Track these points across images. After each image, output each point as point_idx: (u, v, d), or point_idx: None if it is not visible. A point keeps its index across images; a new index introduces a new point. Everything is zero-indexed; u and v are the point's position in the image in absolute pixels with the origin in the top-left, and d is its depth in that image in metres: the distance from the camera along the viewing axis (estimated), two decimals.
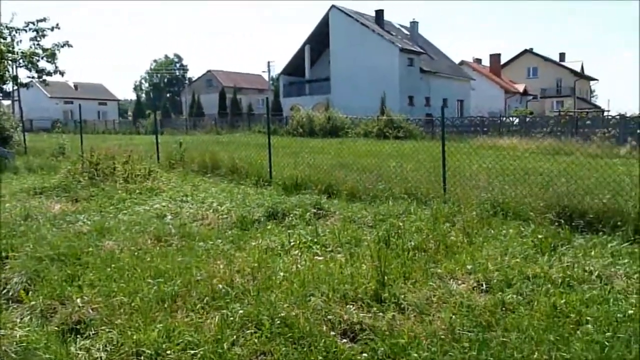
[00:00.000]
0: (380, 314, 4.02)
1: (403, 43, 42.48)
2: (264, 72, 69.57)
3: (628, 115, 28.50)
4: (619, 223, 6.26)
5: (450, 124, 32.29)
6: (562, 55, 68.76)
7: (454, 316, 3.94)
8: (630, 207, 6.55)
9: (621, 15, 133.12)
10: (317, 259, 5.07)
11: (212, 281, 4.63)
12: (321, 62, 46.89)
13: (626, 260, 5.19)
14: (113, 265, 5.12)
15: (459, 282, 4.75)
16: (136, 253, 5.62)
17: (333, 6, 43.32)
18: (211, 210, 7.87)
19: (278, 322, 3.82)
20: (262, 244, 5.96)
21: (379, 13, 45.05)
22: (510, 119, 33.40)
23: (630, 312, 3.90)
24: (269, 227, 6.86)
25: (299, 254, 5.57)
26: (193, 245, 5.97)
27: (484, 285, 4.59)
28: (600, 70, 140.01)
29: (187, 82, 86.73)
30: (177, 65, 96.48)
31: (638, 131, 25.41)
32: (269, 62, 60.68)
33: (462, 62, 57.32)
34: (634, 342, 3.45)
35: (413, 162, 11.72)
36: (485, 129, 30.19)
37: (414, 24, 48.16)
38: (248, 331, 3.76)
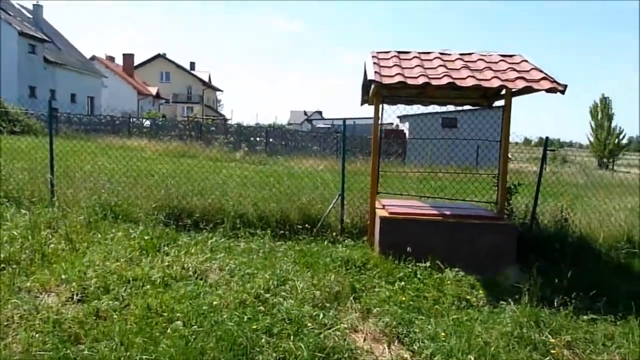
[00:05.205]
0: None
1: (23, 26, 37.35)
2: None
3: (244, 124, 32.81)
4: (218, 221, 6.92)
5: (77, 121, 30.31)
6: (192, 64, 73.16)
7: (37, 334, 3.53)
8: (231, 206, 7.33)
9: (244, 33, 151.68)
10: None
11: None
12: None
13: (222, 255, 5.74)
14: None
15: (52, 294, 4.32)
16: None
17: None
18: None
19: None
20: None
21: None
22: (142, 120, 33.66)
23: (215, 302, 4.28)
24: None
25: None
26: None
27: (79, 294, 4.30)
28: (225, 82, 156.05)
29: None
30: None
31: (251, 138, 29.56)
32: None
33: (94, 58, 54.36)
34: (214, 331, 3.77)
35: (27, 162, 10.30)
36: (116, 129, 29.50)
37: (38, 8, 42.97)
38: None
